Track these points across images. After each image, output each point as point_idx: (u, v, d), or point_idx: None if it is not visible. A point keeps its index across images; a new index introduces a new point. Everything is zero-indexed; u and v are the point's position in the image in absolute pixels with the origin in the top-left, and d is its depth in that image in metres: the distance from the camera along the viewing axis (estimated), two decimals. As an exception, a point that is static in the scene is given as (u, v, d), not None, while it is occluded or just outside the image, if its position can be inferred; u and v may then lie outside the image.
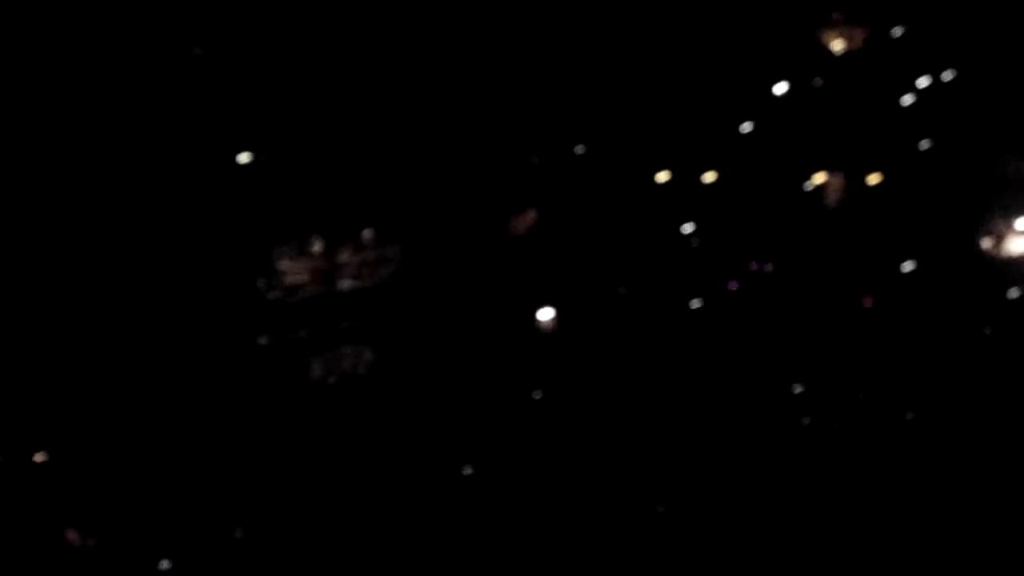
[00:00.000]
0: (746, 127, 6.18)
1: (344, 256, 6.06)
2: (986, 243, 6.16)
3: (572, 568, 5.85)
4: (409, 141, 6.04)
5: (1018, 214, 6.14)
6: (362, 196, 6.07)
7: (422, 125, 6.05)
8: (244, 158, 5.95)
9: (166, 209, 5.85)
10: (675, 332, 6.19)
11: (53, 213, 5.71)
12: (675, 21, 6.11)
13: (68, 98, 5.74)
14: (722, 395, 6.13)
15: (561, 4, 6.08)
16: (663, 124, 6.17)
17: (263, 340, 5.95)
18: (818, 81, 6.18)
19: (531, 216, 6.14)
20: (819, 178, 6.24)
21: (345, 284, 6.07)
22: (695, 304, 6.18)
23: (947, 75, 6.18)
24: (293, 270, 6.00)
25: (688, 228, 6.19)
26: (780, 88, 6.18)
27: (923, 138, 6.20)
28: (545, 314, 6.13)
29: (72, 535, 5.65)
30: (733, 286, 6.18)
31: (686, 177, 6.19)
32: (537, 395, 6.05)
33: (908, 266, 6.16)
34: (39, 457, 5.68)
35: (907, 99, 6.20)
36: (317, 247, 6.03)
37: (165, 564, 5.72)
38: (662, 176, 6.17)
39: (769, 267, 6.09)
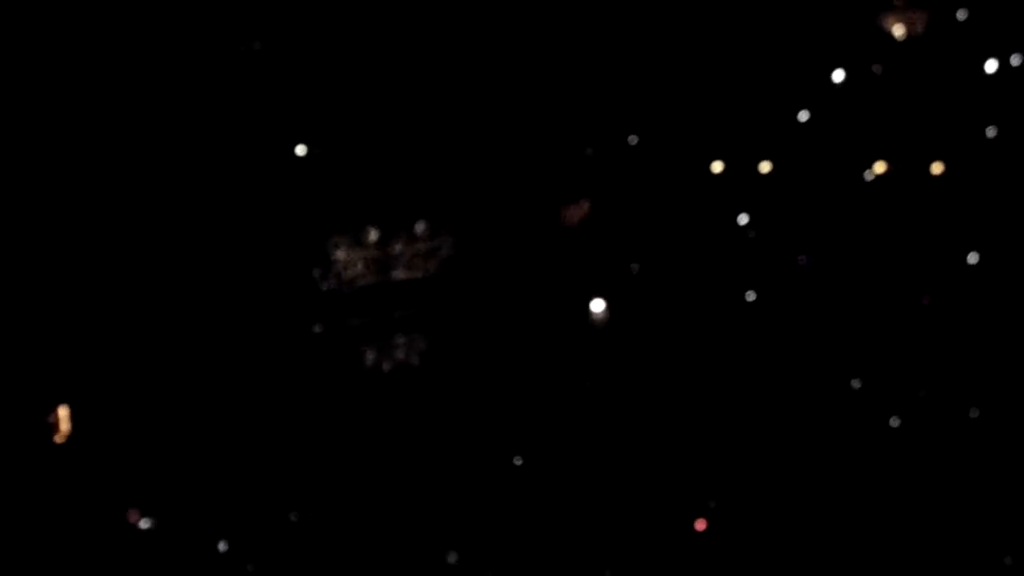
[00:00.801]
0: (803, 116, 6.05)
1: (398, 246, 6.12)
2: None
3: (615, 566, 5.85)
4: (463, 132, 6.06)
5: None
6: (416, 187, 6.11)
7: (476, 116, 6.06)
8: (300, 150, 6.04)
9: (224, 199, 5.96)
10: (730, 324, 6.10)
11: (113, 200, 5.85)
12: (731, 7, 6.00)
13: (128, 87, 5.87)
14: (778, 389, 6.03)
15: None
16: (718, 113, 6.07)
17: (317, 328, 6.04)
18: (878, 68, 6.01)
19: (584, 207, 6.11)
20: (879, 168, 6.07)
21: (399, 274, 6.13)
22: (750, 296, 6.08)
23: (1015, 60, 5.94)
24: (348, 260, 6.08)
25: (743, 219, 6.09)
26: (838, 75, 6.03)
27: (989, 126, 5.98)
28: (597, 305, 6.10)
29: (134, 516, 5.83)
30: (792, 278, 6.07)
31: (741, 167, 6.08)
32: (588, 387, 6.03)
33: (972, 259, 5.97)
34: (103, 441, 5.87)
35: (972, 86, 5.98)
36: (372, 237, 6.10)
37: (223, 546, 5.86)
38: (717, 166, 6.08)
39: (806, 260, 5.96)
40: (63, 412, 5.82)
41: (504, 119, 6.06)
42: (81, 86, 5.80)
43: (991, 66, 5.97)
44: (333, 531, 5.90)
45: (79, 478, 5.78)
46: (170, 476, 5.81)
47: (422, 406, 6.06)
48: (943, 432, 5.95)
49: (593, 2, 6.03)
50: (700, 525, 5.95)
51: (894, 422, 5.93)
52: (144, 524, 5.79)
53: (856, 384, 6.02)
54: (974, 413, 5.91)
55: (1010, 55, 5.95)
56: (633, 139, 6.06)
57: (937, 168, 6.03)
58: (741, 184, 6.10)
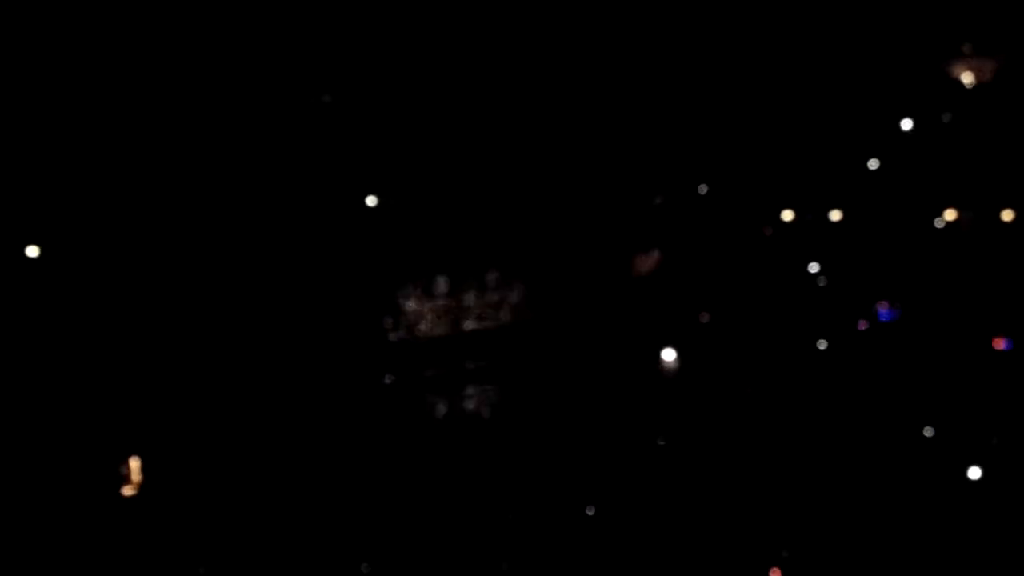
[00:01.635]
0: (873, 164, 6.08)
1: (469, 297, 6.13)
2: None
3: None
4: (535, 183, 6.09)
5: None
6: (487, 237, 6.13)
7: (548, 167, 6.10)
8: (371, 201, 6.07)
9: (298, 251, 5.99)
10: (802, 373, 6.09)
11: (194, 254, 5.88)
12: (801, 57, 6.05)
13: (206, 133, 5.92)
14: (851, 437, 6.01)
15: (687, 48, 6.08)
16: (787, 162, 6.10)
17: (388, 379, 6.04)
18: (947, 116, 6.05)
19: (655, 256, 6.13)
20: (949, 215, 6.09)
21: (470, 324, 6.13)
22: (822, 345, 6.08)
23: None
24: (418, 311, 6.09)
25: (814, 268, 6.10)
26: (907, 123, 6.07)
27: (1058, 172, 6.02)
28: (668, 355, 6.10)
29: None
30: (862, 326, 6.07)
31: (812, 215, 6.10)
32: (661, 437, 6.01)
33: (1045, 305, 5.98)
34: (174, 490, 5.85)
35: (1041, 133, 6.03)
36: (442, 288, 6.11)
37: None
38: (787, 215, 6.10)
39: (890, 312, 5.97)
40: (135, 463, 5.80)
41: (575, 170, 6.09)
42: (171, 132, 5.87)
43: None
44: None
45: (149, 529, 5.76)
46: (246, 523, 5.79)
47: (493, 456, 6.04)
48: (1018, 483, 5.92)
49: (662, 54, 6.09)
50: (775, 574, 5.91)
51: (972, 473, 5.89)
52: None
53: (929, 432, 5.99)
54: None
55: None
56: (703, 188, 6.09)
57: (1007, 215, 6.05)
58: (811, 232, 6.11)
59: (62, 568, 5.57)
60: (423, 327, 6.09)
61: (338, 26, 5.97)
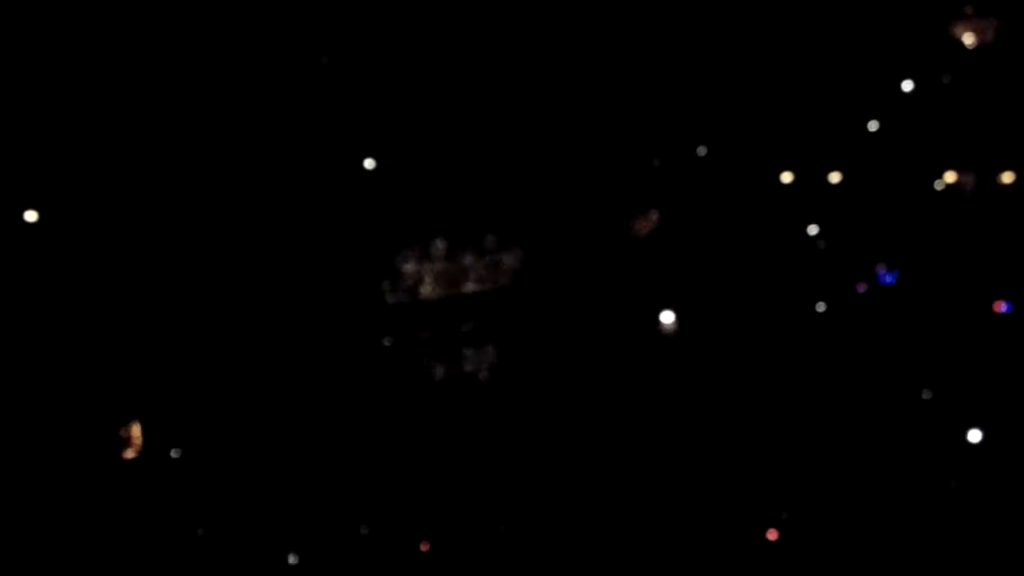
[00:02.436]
0: (873, 125, 6.04)
1: (467, 260, 6.12)
2: None
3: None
4: (531, 144, 6.07)
5: None
6: (484, 200, 6.12)
7: (543, 128, 6.07)
8: (369, 163, 6.06)
9: (294, 213, 5.98)
10: (801, 336, 6.08)
11: (178, 213, 5.88)
12: (800, 16, 6.00)
13: (199, 97, 5.91)
14: (849, 401, 6.01)
15: (684, 10, 6.04)
16: (787, 123, 6.06)
17: (387, 342, 6.05)
18: (947, 77, 5.99)
19: (653, 218, 6.11)
20: (949, 177, 6.06)
21: (468, 287, 6.13)
22: (820, 308, 6.07)
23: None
24: (416, 273, 6.09)
25: (813, 230, 6.08)
26: (907, 85, 6.02)
27: (1059, 134, 5.98)
28: (667, 317, 6.09)
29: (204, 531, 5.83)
30: (861, 288, 6.05)
31: (811, 178, 6.07)
32: (658, 399, 6.02)
33: (1044, 267, 5.96)
34: (174, 454, 5.88)
35: (1043, 94, 5.97)
36: (440, 251, 6.10)
37: (292, 559, 5.86)
38: (786, 177, 6.07)
39: (890, 275, 5.94)
40: (136, 427, 5.83)
41: (573, 130, 6.06)
42: (153, 99, 5.85)
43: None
44: (400, 541, 5.89)
45: (148, 492, 5.80)
46: (237, 488, 5.82)
47: (491, 419, 6.05)
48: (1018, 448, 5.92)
49: (659, 15, 6.04)
50: (771, 535, 5.93)
51: (973, 436, 5.88)
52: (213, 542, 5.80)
53: (927, 395, 5.98)
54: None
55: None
56: (702, 150, 6.06)
57: (1007, 178, 6.01)
58: (811, 195, 6.08)
59: (64, 530, 5.62)
60: (421, 290, 6.09)
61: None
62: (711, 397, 6.04)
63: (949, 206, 6.07)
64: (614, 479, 5.96)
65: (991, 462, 5.85)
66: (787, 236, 6.12)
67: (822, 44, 6.02)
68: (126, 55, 5.80)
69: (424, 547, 5.87)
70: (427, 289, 6.10)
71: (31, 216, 5.79)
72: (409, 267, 6.08)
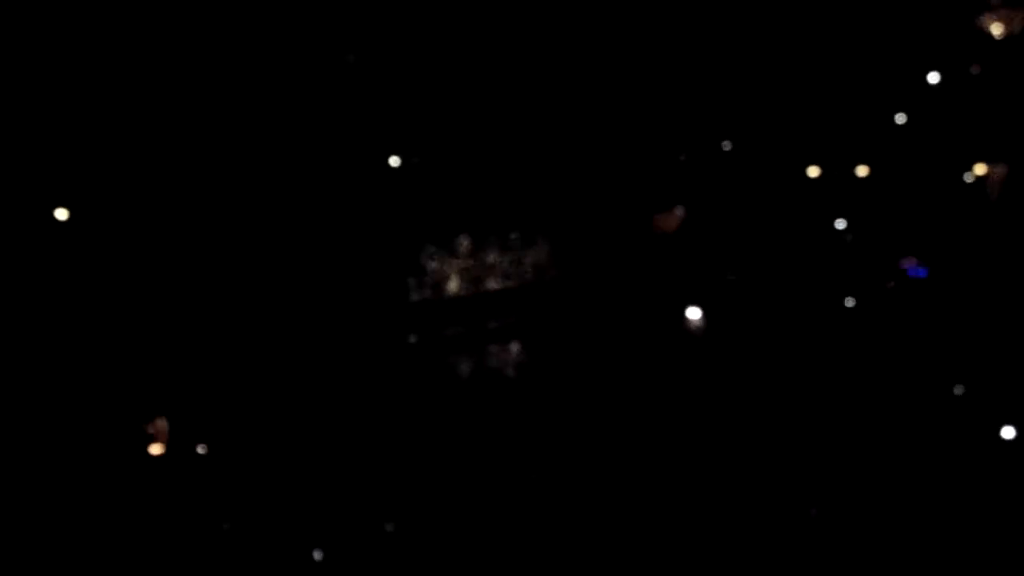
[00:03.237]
0: (900, 118, 5.97)
1: (492, 256, 6.12)
2: None
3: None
4: (555, 141, 6.07)
5: None
6: (510, 196, 6.12)
7: (570, 124, 6.07)
8: (395, 161, 6.08)
9: (319, 211, 6.02)
10: (829, 332, 6.01)
11: (208, 210, 5.93)
12: (827, 9, 5.96)
13: (231, 96, 5.96)
14: (879, 397, 5.92)
15: (712, 3, 6.02)
16: (813, 117, 6.01)
17: (412, 339, 6.05)
18: (976, 68, 5.92)
19: (679, 214, 6.07)
20: (979, 170, 5.98)
21: (492, 284, 6.12)
22: (849, 303, 5.99)
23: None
24: (441, 270, 6.09)
25: (841, 224, 6.02)
26: (934, 77, 5.95)
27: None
28: (693, 313, 6.05)
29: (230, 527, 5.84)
30: (890, 284, 5.97)
31: (838, 171, 6.01)
32: (685, 396, 5.96)
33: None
34: (200, 450, 5.91)
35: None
36: (465, 247, 6.11)
37: (317, 555, 5.86)
38: (813, 171, 6.02)
39: (919, 269, 5.86)
40: (161, 423, 5.87)
41: (598, 126, 6.05)
42: (182, 97, 5.91)
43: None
44: (428, 538, 5.87)
45: (175, 487, 5.83)
46: (263, 484, 5.83)
47: (516, 416, 6.03)
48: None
49: (685, 9, 6.02)
50: (802, 531, 5.85)
51: (1006, 433, 5.77)
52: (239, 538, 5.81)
53: (959, 391, 5.88)
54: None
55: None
56: (727, 144, 6.02)
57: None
58: (838, 189, 6.02)
59: (91, 525, 5.66)
60: (446, 287, 6.09)
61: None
62: (738, 393, 5.97)
63: (979, 199, 5.99)
64: (642, 476, 5.91)
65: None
66: (814, 231, 6.06)
67: (848, 36, 5.97)
68: (161, 54, 5.88)
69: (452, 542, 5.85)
70: (452, 286, 6.10)
71: (62, 214, 5.87)
72: (434, 264, 6.09)
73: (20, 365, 5.69)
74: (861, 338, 5.98)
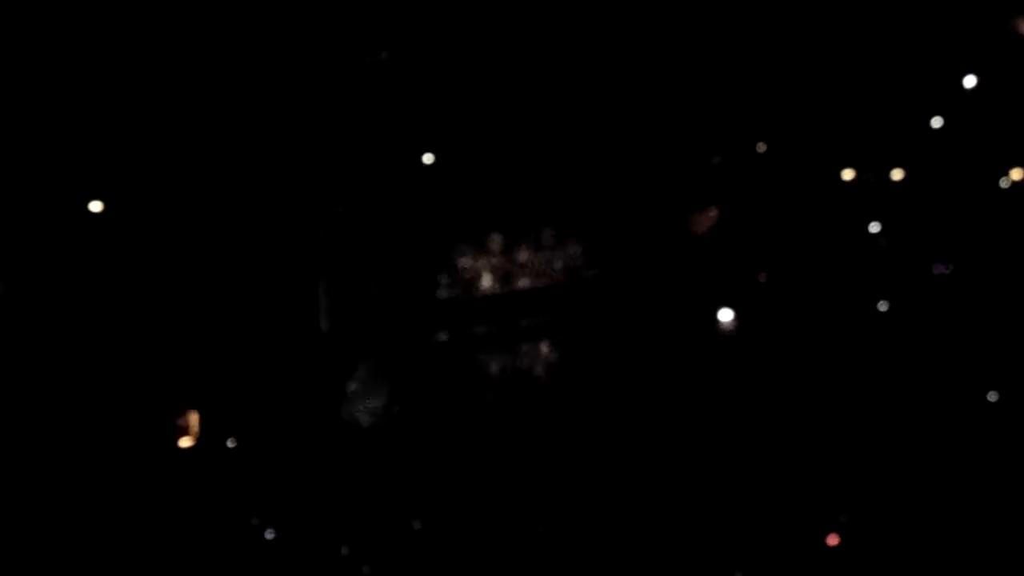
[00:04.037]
0: (936, 122, 5.94)
1: (524, 255, 6.11)
2: None
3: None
4: (589, 139, 6.06)
5: None
6: (542, 194, 6.11)
7: (604, 123, 6.06)
8: (428, 158, 6.08)
9: (351, 207, 6.02)
10: (862, 337, 5.98)
11: (236, 206, 5.94)
12: (860, 13, 5.94)
13: (263, 95, 5.98)
14: (913, 401, 5.89)
15: (746, 3, 6.01)
16: (847, 119, 5.99)
17: (442, 337, 6.05)
18: (1012, 72, 5.89)
19: (712, 215, 6.06)
20: (1016, 175, 5.95)
21: (524, 283, 6.12)
22: (883, 307, 5.96)
23: None
24: (472, 268, 6.09)
25: (875, 228, 5.99)
26: (970, 81, 5.92)
27: None
28: (725, 316, 6.03)
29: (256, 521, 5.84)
30: (939, 270, 5.93)
31: (873, 175, 5.99)
32: (716, 399, 5.95)
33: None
34: (230, 443, 5.91)
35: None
36: (497, 245, 6.10)
37: (344, 551, 5.86)
38: (847, 174, 6.00)
39: (949, 268, 5.83)
40: (193, 416, 5.88)
41: (632, 126, 6.04)
42: (217, 93, 5.93)
43: None
44: (455, 538, 5.86)
45: (204, 482, 5.83)
46: (291, 479, 5.83)
47: (547, 416, 6.02)
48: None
49: (719, 10, 6.01)
50: (832, 540, 5.81)
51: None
52: (269, 535, 5.80)
53: (993, 397, 5.85)
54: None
55: None
56: (761, 146, 6.00)
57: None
58: (872, 192, 6.00)
59: (120, 517, 5.67)
60: (477, 285, 6.09)
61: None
62: (770, 397, 5.95)
63: (1015, 204, 5.96)
64: (672, 478, 5.89)
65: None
66: (848, 234, 6.03)
67: (883, 39, 5.95)
68: (191, 50, 5.90)
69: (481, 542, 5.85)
70: (484, 284, 6.09)
71: (96, 206, 5.88)
72: (466, 261, 6.08)
73: (53, 359, 5.71)
74: (894, 343, 5.96)
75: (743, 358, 6.00)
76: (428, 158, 6.07)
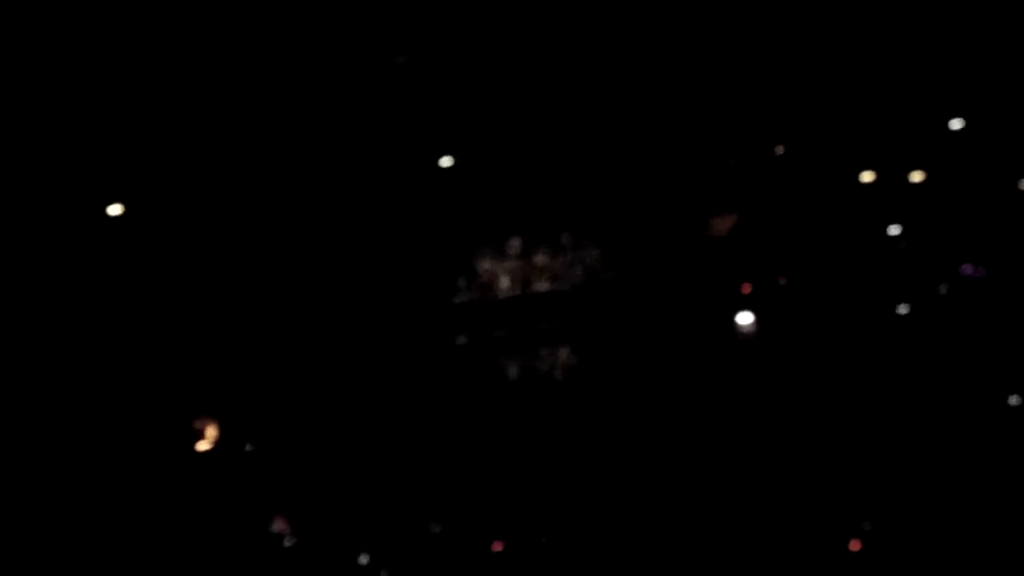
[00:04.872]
0: (956, 124, 5.93)
1: (542, 258, 6.10)
2: None
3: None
4: (608, 144, 6.05)
5: None
6: (561, 198, 6.10)
7: (622, 128, 6.05)
8: (446, 162, 6.08)
9: (370, 211, 6.02)
10: (882, 339, 5.95)
11: (257, 211, 5.95)
12: (880, 16, 5.94)
13: (281, 102, 5.99)
14: (933, 405, 5.85)
15: (763, 7, 6.01)
16: (867, 121, 5.98)
17: (461, 340, 6.03)
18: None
19: (731, 218, 6.04)
20: (1037, 176, 5.93)
21: (543, 286, 6.10)
22: (903, 310, 5.94)
23: None
24: (491, 271, 6.08)
25: (895, 230, 5.97)
26: (990, 82, 5.90)
27: None
28: (744, 319, 6.00)
29: (280, 525, 5.83)
30: (944, 290, 5.92)
31: (892, 177, 5.97)
32: (735, 402, 5.92)
33: None
34: (248, 448, 5.90)
35: None
36: (516, 249, 6.09)
37: (364, 559, 5.83)
38: (867, 176, 5.98)
39: (980, 271, 5.79)
40: (211, 421, 5.87)
41: (650, 130, 6.04)
42: (237, 98, 5.94)
43: None
44: (476, 538, 5.84)
45: (222, 484, 5.82)
46: (310, 483, 5.82)
47: (565, 418, 6.00)
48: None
49: (738, 15, 6.01)
50: (854, 546, 5.77)
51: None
52: (288, 542, 5.79)
53: (1015, 401, 5.81)
54: None
55: None
56: (780, 149, 5.99)
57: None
58: (892, 194, 5.98)
59: (141, 519, 5.66)
60: (496, 288, 6.08)
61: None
62: (789, 400, 5.92)
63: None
64: (691, 482, 5.86)
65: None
66: (867, 237, 6.01)
67: (902, 42, 5.94)
68: (218, 53, 5.92)
69: (497, 546, 5.81)
70: (502, 287, 6.08)
71: (115, 210, 5.89)
72: (485, 265, 6.07)
73: (78, 364, 5.72)
74: (914, 345, 5.93)
75: (763, 361, 5.97)
76: (446, 161, 6.07)
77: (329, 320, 5.94)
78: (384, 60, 6.02)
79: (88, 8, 5.77)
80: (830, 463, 5.85)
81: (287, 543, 5.76)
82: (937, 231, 5.97)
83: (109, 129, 5.82)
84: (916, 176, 5.95)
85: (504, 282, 6.08)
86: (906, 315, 5.95)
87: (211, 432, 5.87)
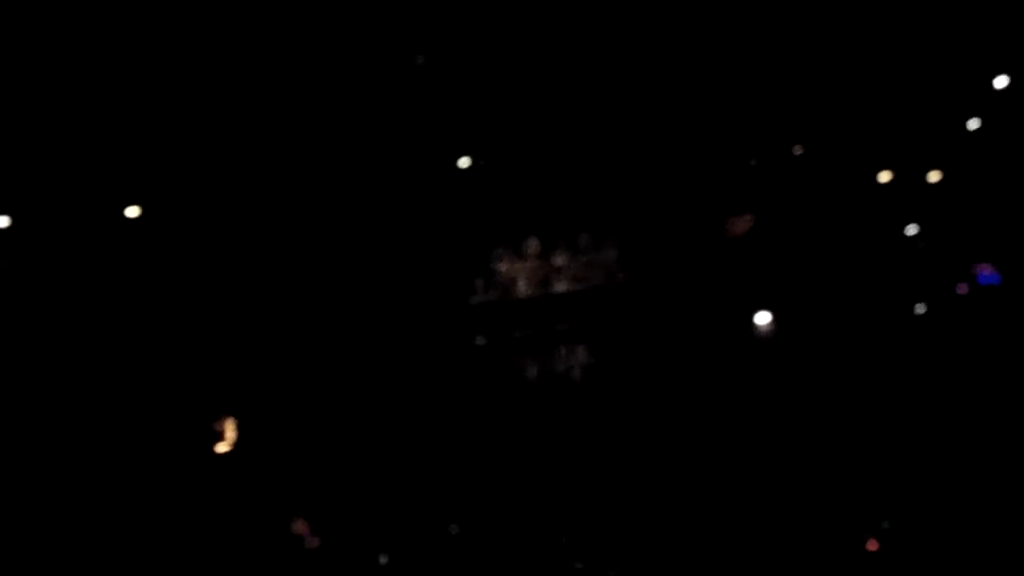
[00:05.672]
0: (973, 123, 5.95)
1: (560, 258, 6.11)
2: None
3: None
4: (626, 145, 6.07)
5: None
6: (579, 198, 6.11)
7: (640, 128, 6.07)
8: (464, 163, 6.09)
9: (389, 212, 6.03)
10: (899, 339, 5.97)
11: (276, 213, 5.95)
12: (896, 16, 5.96)
13: (295, 102, 5.99)
14: (951, 405, 5.87)
15: (782, 6, 6.02)
16: (884, 121, 6.00)
17: (479, 340, 6.04)
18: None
19: (749, 219, 6.06)
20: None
21: (561, 287, 6.11)
22: (920, 310, 5.95)
23: None
24: (510, 272, 6.09)
25: (912, 230, 5.99)
26: (1001, 81, 5.93)
27: None
28: (763, 318, 6.02)
29: (301, 527, 5.83)
30: (962, 289, 5.93)
31: (909, 177, 5.99)
32: (754, 402, 5.93)
33: None
34: (266, 449, 5.91)
35: None
36: (534, 250, 6.10)
37: (383, 559, 5.83)
38: (884, 176, 6.00)
39: (991, 276, 5.81)
40: (229, 422, 5.87)
41: (668, 131, 6.05)
42: (254, 100, 5.95)
43: None
44: (493, 540, 5.85)
45: (241, 486, 5.82)
46: (329, 484, 5.82)
47: (583, 419, 6.01)
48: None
49: (754, 15, 6.03)
50: (872, 546, 5.78)
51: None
52: (308, 543, 5.79)
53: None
54: None
55: None
56: (798, 149, 6.01)
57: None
58: (909, 194, 6.00)
59: (161, 519, 5.66)
60: (514, 288, 6.09)
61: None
62: (807, 399, 5.93)
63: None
64: (709, 481, 5.87)
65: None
66: (885, 237, 6.03)
67: (919, 41, 5.96)
68: (235, 55, 5.92)
69: (517, 545, 5.82)
70: (520, 288, 6.09)
71: (133, 211, 5.89)
72: (503, 266, 6.08)
73: (98, 366, 5.73)
74: (932, 345, 5.94)
75: (782, 361, 5.99)
76: (464, 162, 6.08)
77: (348, 321, 5.95)
78: (403, 60, 6.03)
79: (108, 11, 5.78)
80: (848, 462, 5.86)
81: (307, 544, 5.77)
82: (955, 231, 5.99)
83: (129, 132, 5.83)
84: (934, 176, 5.97)
85: (522, 283, 6.09)
86: (924, 315, 5.96)
87: (230, 434, 5.87)
